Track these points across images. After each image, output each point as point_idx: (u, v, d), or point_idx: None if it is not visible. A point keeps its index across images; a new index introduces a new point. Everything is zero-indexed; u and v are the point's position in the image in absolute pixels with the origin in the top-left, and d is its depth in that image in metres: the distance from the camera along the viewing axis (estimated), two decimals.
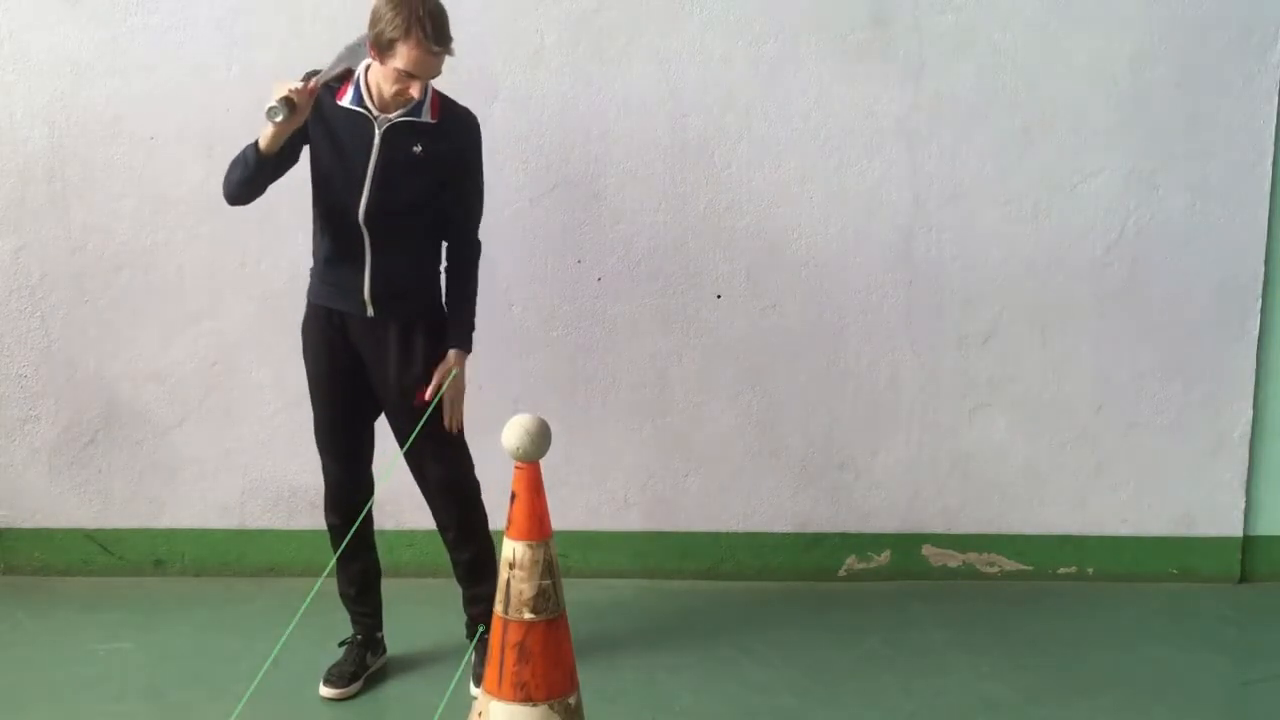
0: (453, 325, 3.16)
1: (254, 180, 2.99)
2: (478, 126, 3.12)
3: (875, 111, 3.74)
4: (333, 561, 3.28)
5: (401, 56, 2.85)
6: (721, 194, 3.78)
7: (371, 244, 3.06)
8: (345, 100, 2.99)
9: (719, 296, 3.84)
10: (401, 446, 3.19)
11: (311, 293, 3.18)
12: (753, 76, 3.72)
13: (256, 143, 2.93)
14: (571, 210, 3.78)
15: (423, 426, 3.09)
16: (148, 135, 3.73)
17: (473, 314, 3.18)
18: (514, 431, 2.52)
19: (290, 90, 2.83)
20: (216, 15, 3.67)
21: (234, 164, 3.02)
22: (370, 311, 3.10)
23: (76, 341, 3.84)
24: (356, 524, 3.19)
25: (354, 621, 3.37)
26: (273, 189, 3.07)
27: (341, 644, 3.36)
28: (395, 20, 2.83)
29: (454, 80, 3.68)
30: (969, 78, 3.73)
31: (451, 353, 3.14)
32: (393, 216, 3.03)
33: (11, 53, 3.70)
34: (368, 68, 3.00)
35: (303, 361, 3.22)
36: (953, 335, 3.86)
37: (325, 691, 3.24)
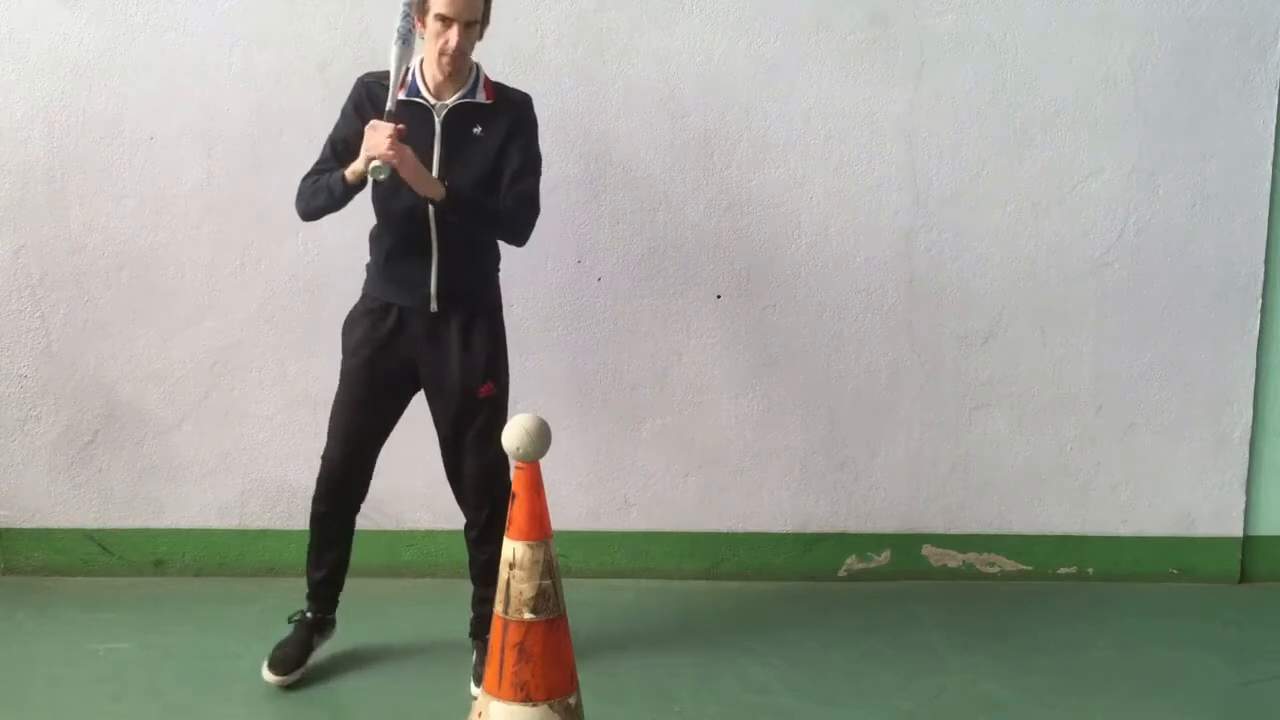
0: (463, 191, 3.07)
1: (337, 209, 3.06)
2: (530, 103, 3.19)
3: (875, 111, 3.74)
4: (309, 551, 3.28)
5: (437, 1, 2.90)
6: (721, 194, 3.78)
7: (439, 237, 3.09)
8: (403, 94, 3.02)
9: (719, 296, 3.84)
10: (452, 442, 3.22)
11: (370, 287, 3.19)
12: (753, 76, 3.72)
13: (343, 175, 2.97)
14: (571, 210, 3.78)
15: (480, 420, 3.16)
16: (148, 135, 3.73)
17: (482, 206, 3.08)
18: (514, 431, 2.52)
19: (389, 149, 2.86)
20: (216, 15, 3.67)
21: (315, 190, 3.05)
22: (434, 307, 3.13)
23: (76, 341, 3.84)
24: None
25: (311, 598, 3.36)
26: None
27: (291, 620, 3.36)
28: None
29: None
30: (969, 78, 3.73)
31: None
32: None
33: (11, 53, 3.70)
34: (421, 60, 3.04)
35: (341, 350, 3.21)
36: (953, 335, 3.86)
37: (270, 677, 3.25)
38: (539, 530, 2.56)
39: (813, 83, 3.72)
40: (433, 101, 3.04)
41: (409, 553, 3.92)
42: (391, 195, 3.05)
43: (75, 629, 3.58)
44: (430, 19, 2.94)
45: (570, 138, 3.72)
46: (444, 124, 3.05)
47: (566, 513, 3.68)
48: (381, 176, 2.88)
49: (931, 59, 3.72)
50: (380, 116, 2.95)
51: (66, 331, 3.83)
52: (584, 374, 3.86)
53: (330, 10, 3.65)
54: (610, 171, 3.76)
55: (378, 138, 2.87)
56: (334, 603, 3.40)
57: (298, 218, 3.11)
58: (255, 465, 3.90)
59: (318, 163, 3.10)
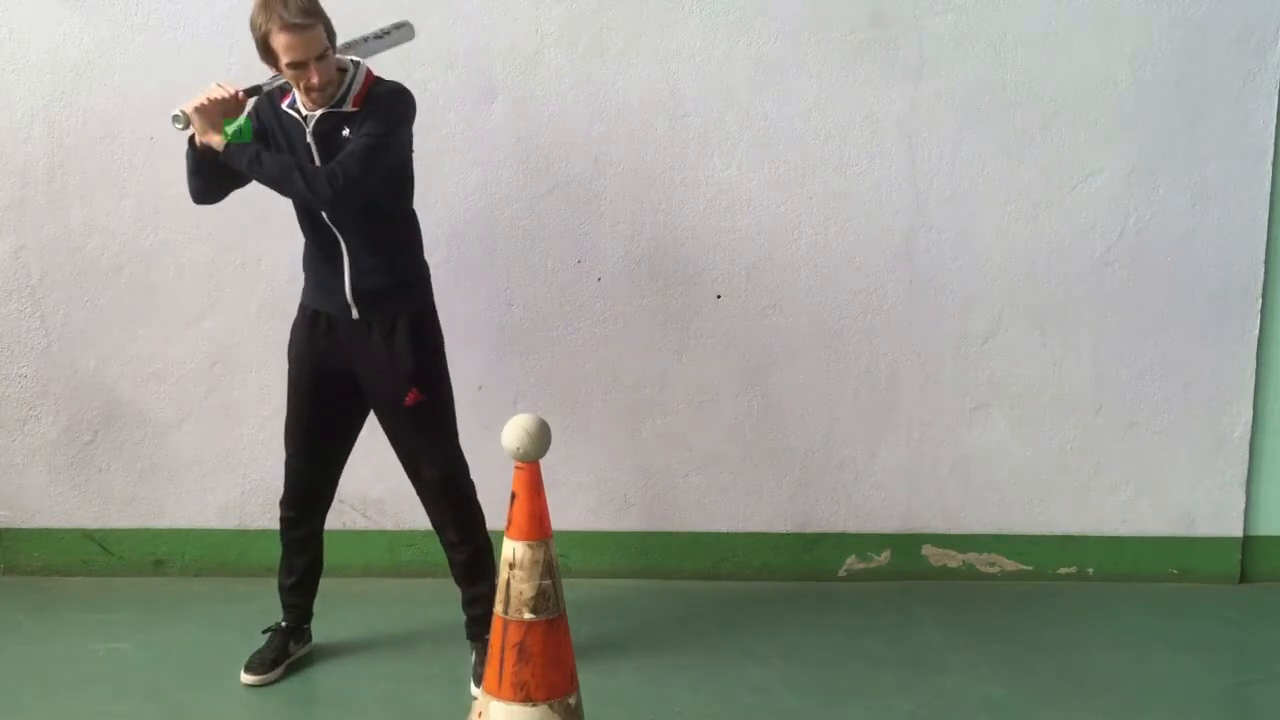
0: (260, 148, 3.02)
1: (197, 174, 3.04)
2: (396, 92, 3.07)
3: (875, 111, 3.74)
4: (286, 560, 3.32)
5: (282, 47, 2.88)
6: (721, 194, 3.78)
7: (345, 243, 3.10)
8: (284, 105, 3.07)
9: (719, 296, 3.84)
10: (398, 449, 3.22)
11: (304, 295, 3.25)
12: (753, 76, 3.72)
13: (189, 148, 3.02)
14: (571, 210, 3.78)
15: (416, 428, 3.16)
16: (148, 135, 3.73)
17: (272, 163, 2.98)
18: (514, 431, 2.52)
19: (197, 100, 2.92)
20: (216, 15, 3.67)
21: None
22: (354, 314, 3.13)
23: (76, 341, 3.84)
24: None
25: (285, 608, 3.40)
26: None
27: (266, 631, 3.38)
28: (258, 17, 2.89)
29: (454, 80, 3.70)
30: (969, 78, 3.73)
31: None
32: (354, 212, 3.05)
33: (11, 53, 3.70)
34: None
35: (286, 359, 3.26)
36: (953, 335, 3.86)
37: (246, 679, 3.26)
38: (539, 530, 2.56)
39: (813, 83, 3.72)
40: (304, 113, 3.04)
41: (409, 553, 3.92)
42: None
43: (75, 629, 3.58)
44: (284, 67, 2.92)
45: (570, 138, 3.72)
46: (314, 132, 3.04)
47: (566, 513, 3.68)
48: (179, 126, 2.96)
49: (931, 59, 3.72)
50: (273, 123, 3.02)
51: (66, 331, 3.84)
52: (584, 374, 3.86)
53: (330, 10, 3.64)
54: (610, 171, 3.76)
55: (210, 90, 2.94)
56: (308, 614, 3.42)
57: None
58: (255, 465, 3.90)
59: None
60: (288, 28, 2.85)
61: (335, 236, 3.10)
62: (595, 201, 3.79)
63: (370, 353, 3.14)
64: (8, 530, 3.94)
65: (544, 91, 3.72)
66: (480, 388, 3.75)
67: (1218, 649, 3.56)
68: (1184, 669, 3.42)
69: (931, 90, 3.73)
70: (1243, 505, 3.95)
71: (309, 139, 3.04)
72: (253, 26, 2.91)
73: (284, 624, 3.39)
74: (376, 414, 3.22)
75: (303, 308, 3.24)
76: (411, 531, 3.86)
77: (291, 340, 3.26)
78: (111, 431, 3.89)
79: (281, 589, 3.39)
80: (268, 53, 2.93)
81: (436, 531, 3.31)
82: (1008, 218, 3.80)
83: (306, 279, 3.24)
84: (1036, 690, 3.29)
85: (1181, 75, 3.72)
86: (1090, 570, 3.98)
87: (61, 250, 3.80)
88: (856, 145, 3.76)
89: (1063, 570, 3.98)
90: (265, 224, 3.71)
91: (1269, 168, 3.77)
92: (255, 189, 3.07)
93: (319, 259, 3.16)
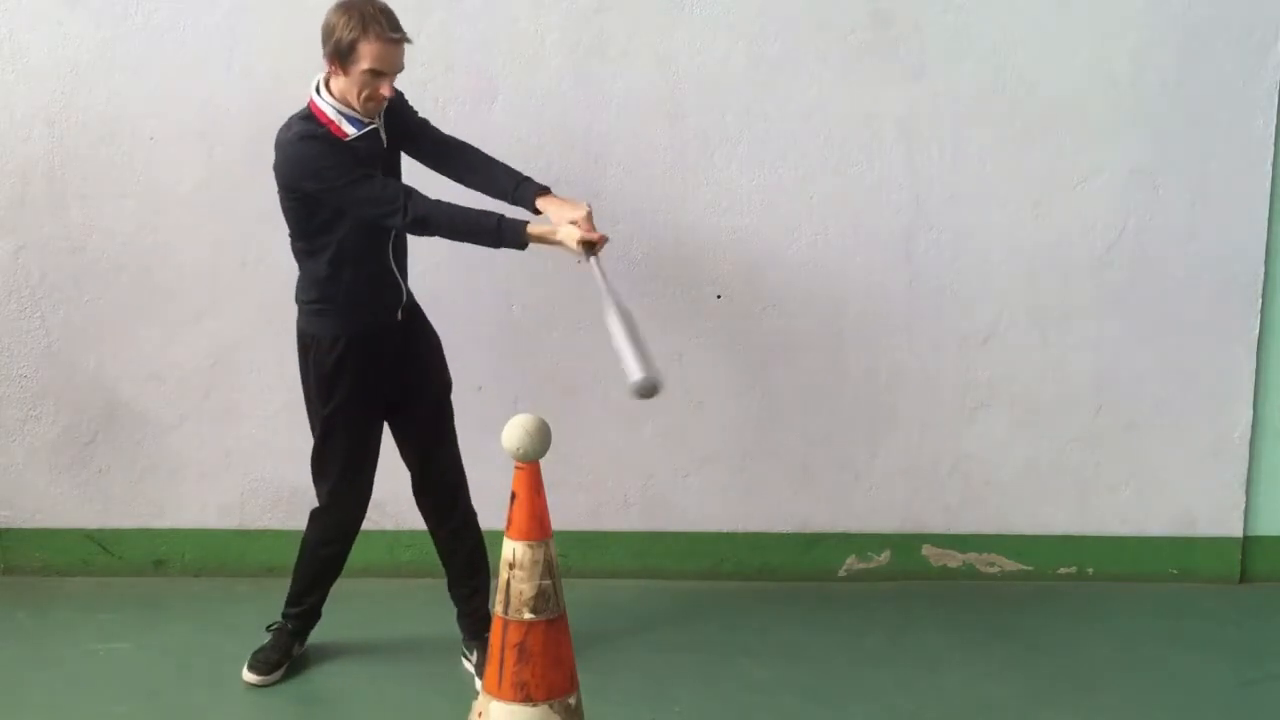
0: (515, 175, 3.19)
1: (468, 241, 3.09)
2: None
3: (875, 111, 3.74)
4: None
5: (367, 55, 2.91)
6: (722, 194, 3.78)
7: (396, 262, 3.18)
8: (352, 131, 3.02)
9: (719, 296, 3.84)
10: (433, 441, 3.29)
11: (340, 328, 3.14)
12: (753, 76, 3.71)
13: (520, 231, 3.01)
14: None
15: (444, 424, 3.29)
16: (148, 135, 3.73)
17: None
18: (514, 431, 2.52)
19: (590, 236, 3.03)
20: (216, 15, 3.66)
21: (471, 217, 3.03)
22: (400, 316, 3.21)
23: (76, 341, 3.84)
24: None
25: (298, 618, 3.41)
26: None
27: (270, 628, 3.39)
28: (350, 23, 2.90)
29: (454, 80, 3.70)
30: (969, 78, 3.73)
31: (552, 199, 3.15)
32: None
33: (11, 53, 3.70)
34: (328, 92, 3.02)
35: (322, 398, 3.18)
36: (953, 335, 3.86)
37: (250, 678, 3.27)
38: (539, 530, 2.56)
39: (813, 83, 3.72)
40: (376, 124, 3.08)
41: (409, 553, 3.92)
42: (338, 224, 3.05)
43: (75, 629, 3.58)
44: (359, 72, 2.94)
45: (570, 138, 3.72)
46: (388, 143, 3.14)
47: (566, 513, 3.67)
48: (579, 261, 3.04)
49: (931, 59, 3.71)
50: (354, 154, 3.00)
51: (66, 331, 3.84)
52: (584, 374, 3.86)
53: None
54: (610, 171, 3.76)
55: (584, 224, 3.03)
56: (315, 621, 3.45)
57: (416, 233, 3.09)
58: (255, 465, 3.90)
59: (402, 189, 3.04)
60: (388, 41, 2.91)
61: (390, 261, 3.14)
62: (595, 201, 3.76)
63: (417, 349, 3.25)
64: (8, 530, 3.94)
65: (544, 91, 3.72)
66: (480, 388, 3.74)
67: (1218, 649, 3.56)
68: (1184, 669, 3.42)
69: (931, 90, 3.73)
70: (1243, 505, 3.95)
71: (385, 142, 3.12)
72: (334, 28, 2.92)
73: (288, 625, 3.39)
74: (418, 412, 3.27)
75: (337, 340, 3.14)
76: (411, 532, 3.85)
77: (330, 379, 3.15)
78: (111, 431, 3.89)
79: (303, 602, 3.38)
80: (344, 57, 2.93)
81: (442, 527, 3.35)
82: (1008, 218, 3.80)
83: (348, 309, 3.14)
84: (1036, 690, 3.29)
85: (1181, 75, 3.72)
86: (1090, 570, 3.98)
87: (61, 250, 3.79)
88: (856, 145, 3.75)
89: (1063, 570, 3.98)
90: (265, 224, 3.70)
91: (1269, 168, 3.77)
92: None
93: (378, 278, 3.14)
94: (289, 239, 3.18)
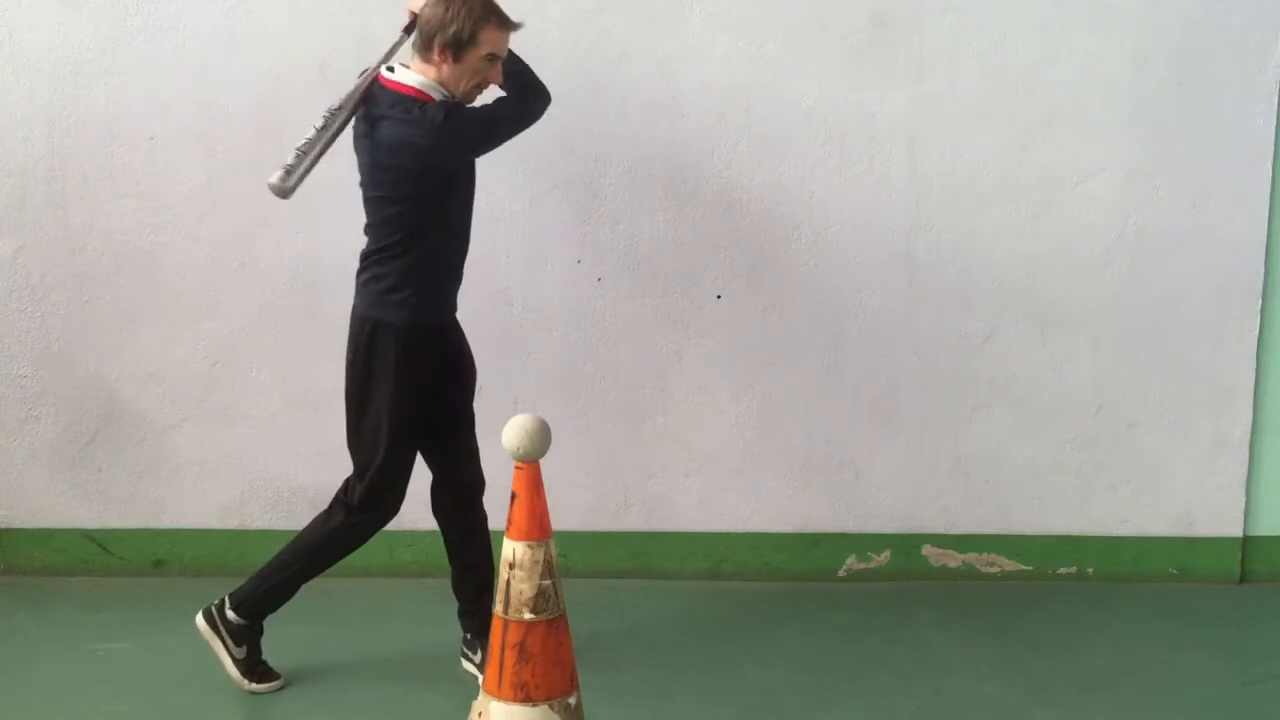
0: None
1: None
2: None
3: (875, 111, 3.74)
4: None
5: (489, 42, 3.04)
6: (721, 194, 3.78)
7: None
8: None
9: (719, 296, 3.84)
10: (468, 437, 3.31)
11: (422, 314, 3.13)
12: (753, 76, 3.72)
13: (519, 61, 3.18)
14: (571, 210, 3.78)
15: (471, 422, 3.31)
16: (148, 135, 3.73)
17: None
18: (514, 431, 2.52)
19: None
20: (216, 15, 3.67)
21: (527, 72, 3.20)
22: (457, 309, 3.27)
23: (76, 341, 3.84)
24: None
25: (272, 605, 3.30)
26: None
27: (238, 635, 3.29)
28: (471, 11, 3.00)
29: None
30: (969, 78, 3.73)
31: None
32: None
33: (11, 53, 3.70)
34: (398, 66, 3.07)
35: (396, 373, 3.11)
36: (953, 335, 3.86)
37: (260, 688, 3.24)
38: (539, 530, 2.56)
39: (813, 83, 3.72)
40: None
41: (409, 553, 3.92)
42: (465, 206, 3.17)
43: (75, 629, 3.58)
44: (477, 58, 3.03)
45: (570, 138, 3.72)
46: None
47: (566, 513, 3.67)
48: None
49: (931, 59, 3.72)
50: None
51: (66, 332, 3.84)
52: (584, 374, 3.86)
53: (330, 10, 3.65)
54: (610, 171, 3.76)
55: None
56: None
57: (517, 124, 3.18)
58: (255, 465, 3.90)
59: (500, 103, 3.17)
60: (510, 27, 3.06)
61: (463, 251, 3.21)
62: (595, 201, 3.79)
63: (463, 349, 3.30)
64: (8, 530, 3.94)
65: None
66: (480, 388, 3.74)
67: (1218, 649, 3.56)
68: (1184, 669, 3.42)
69: (931, 90, 3.73)
70: (1243, 505, 3.95)
71: None
72: (449, 20, 2.99)
73: (258, 627, 3.29)
74: (462, 409, 3.30)
75: (425, 327, 3.13)
76: (411, 532, 3.85)
77: (412, 363, 3.11)
78: (111, 431, 3.89)
79: (293, 587, 3.29)
80: (463, 45, 3.00)
81: (463, 532, 3.34)
82: (1008, 218, 3.80)
83: (429, 297, 3.14)
84: (1036, 690, 3.29)
85: (1181, 75, 3.72)
86: (1090, 570, 3.98)
87: (61, 250, 3.79)
88: (856, 145, 3.76)
89: (1063, 570, 3.98)
90: (265, 224, 3.71)
91: (1269, 168, 3.77)
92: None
93: (455, 266, 3.21)
94: (374, 236, 3.10)
